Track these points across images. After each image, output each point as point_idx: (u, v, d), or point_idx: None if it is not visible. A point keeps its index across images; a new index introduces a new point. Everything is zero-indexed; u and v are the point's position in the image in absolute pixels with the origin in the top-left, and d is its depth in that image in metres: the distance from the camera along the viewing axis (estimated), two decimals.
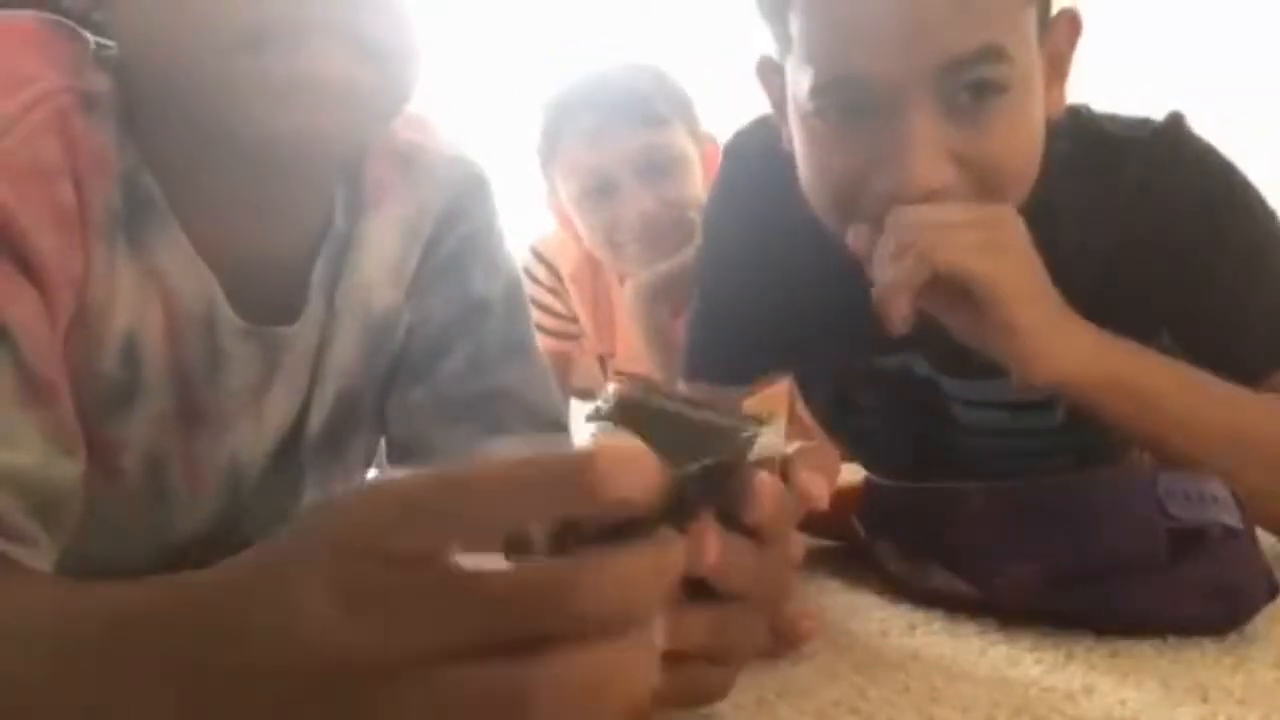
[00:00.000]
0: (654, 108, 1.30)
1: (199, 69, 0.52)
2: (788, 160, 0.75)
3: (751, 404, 0.43)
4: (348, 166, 0.66)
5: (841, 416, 0.89)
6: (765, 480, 0.40)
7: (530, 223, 1.51)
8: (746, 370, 0.86)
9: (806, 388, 0.92)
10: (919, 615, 0.58)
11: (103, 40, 0.60)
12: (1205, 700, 0.44)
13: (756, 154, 0.84)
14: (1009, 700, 0.44)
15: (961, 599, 0.58)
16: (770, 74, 0.75)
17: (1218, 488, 0.55)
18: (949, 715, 0.43)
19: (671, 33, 2.47)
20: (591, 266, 1.48)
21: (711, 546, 0.37)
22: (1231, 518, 0.53)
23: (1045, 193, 0.70)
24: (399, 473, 0.31)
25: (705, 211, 0.94)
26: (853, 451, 0.88)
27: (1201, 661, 0.49)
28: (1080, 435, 0.82)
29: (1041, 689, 0.45)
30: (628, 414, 0.38)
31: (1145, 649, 0.51)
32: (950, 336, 0.68)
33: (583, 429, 0.41)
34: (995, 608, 0.56)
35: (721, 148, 0.92)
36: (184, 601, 0.34)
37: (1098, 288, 0.71)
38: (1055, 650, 0.51)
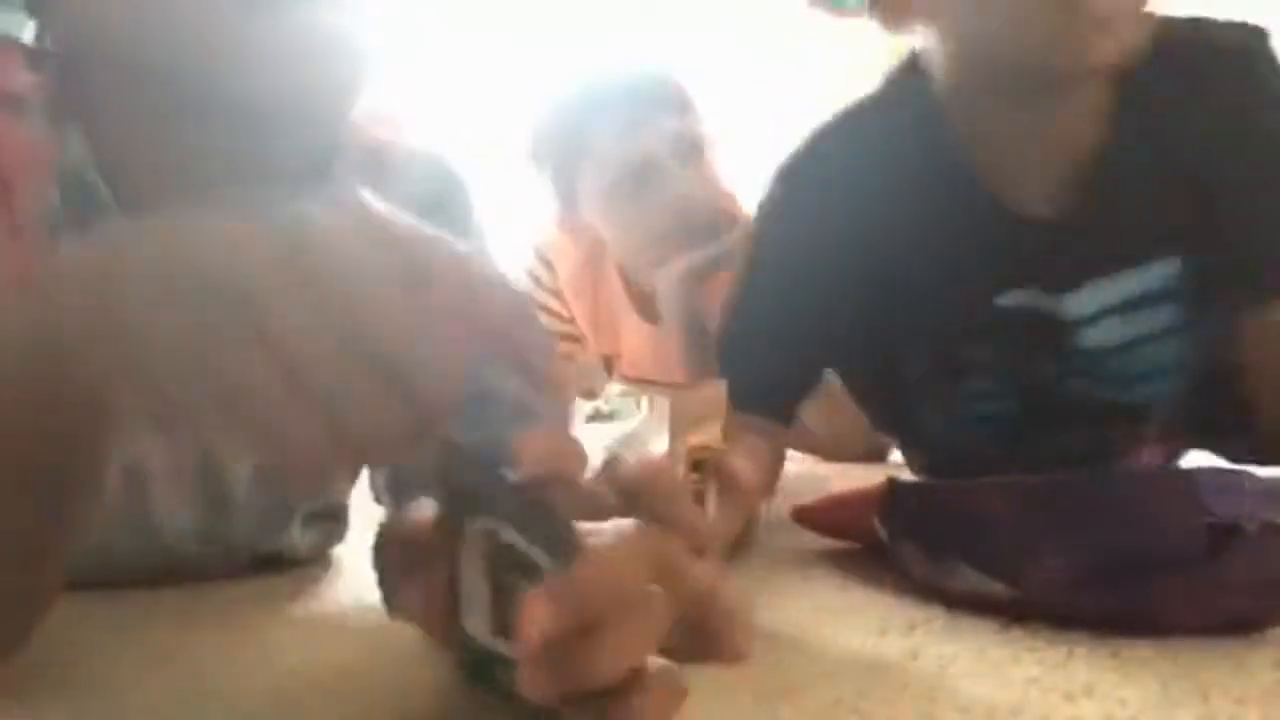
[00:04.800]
0: (681, 94, 1.31)
1: (175, 37, 0.53)
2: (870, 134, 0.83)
3: (690, 403, 0.46)
4: (313, 161, 0.66)
5: (938, 389, 0.90)
6: None
7: (530, 224, 1.51)
8: (795, 381, 0.90)
9: (881, 375, 0.94)
10: (919, 615, 0.58)
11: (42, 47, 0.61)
12: (1205, 700, 0.43)
13: (833, 150, 0.89)
14: (1009, 700, 0.44)
15: (993, 599, 0.56)
16: None
17: (1257, 481, 0.52)
18: (949, 715, 0.43)
19: (671, 33, 2.48)
20: (590, 269, 1.47)
21: None
22: (1272, 512, 0.51)
23: (1133, 91, 0.76)
24: None
25: (758, 228, 0.94)
26: (946, 428, 0.90)
27: (1201, 662, 0.48)
28: (1195, 335, 0.84)
29: (1041, 689, 0.45)
30: None
31: (1145, 649, 0.50)
32: (1060, 241, 0.73)
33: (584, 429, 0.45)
34: (1028, 607, 0.55)
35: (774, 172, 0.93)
36: None
37: (1168, 188, 0.78)
38: (1055, 650, 0.50)
